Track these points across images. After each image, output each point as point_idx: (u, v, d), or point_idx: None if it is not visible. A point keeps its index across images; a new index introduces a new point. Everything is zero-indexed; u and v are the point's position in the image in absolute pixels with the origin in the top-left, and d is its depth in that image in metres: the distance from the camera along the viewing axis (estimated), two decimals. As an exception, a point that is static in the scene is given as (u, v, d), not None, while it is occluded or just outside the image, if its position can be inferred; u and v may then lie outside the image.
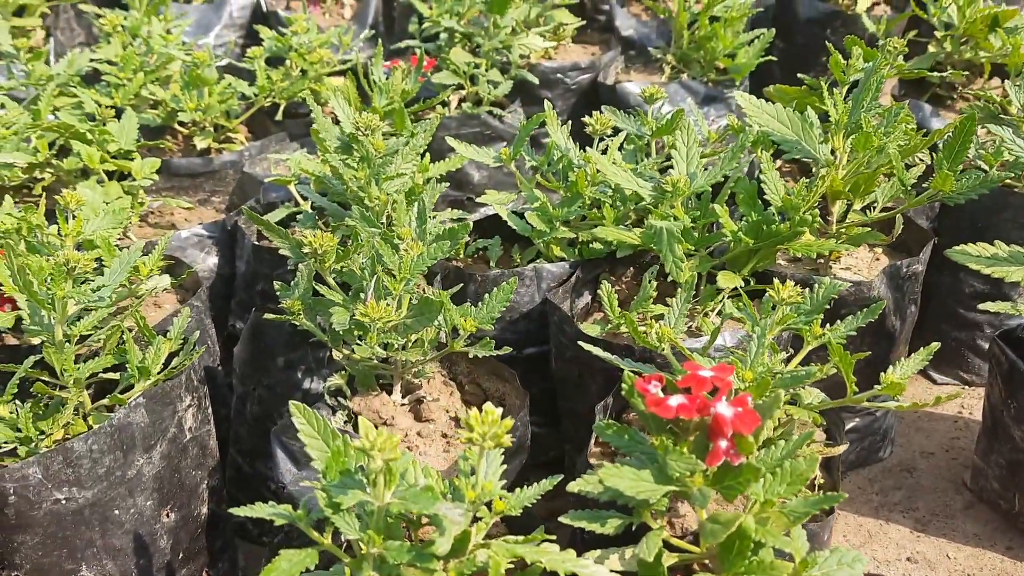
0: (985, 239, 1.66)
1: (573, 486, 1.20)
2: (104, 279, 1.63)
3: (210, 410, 1.70)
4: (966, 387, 2.23)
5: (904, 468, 2.01)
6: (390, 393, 1.64)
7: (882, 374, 1.36)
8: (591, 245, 1.97)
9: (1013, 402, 1.76)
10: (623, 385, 1.21)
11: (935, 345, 1.43)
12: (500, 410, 1.10)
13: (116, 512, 1.50)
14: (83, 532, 1.48)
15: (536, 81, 2.69)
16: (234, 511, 1.18)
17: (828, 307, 1.49)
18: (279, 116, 2.59)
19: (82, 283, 1.56)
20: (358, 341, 1.56)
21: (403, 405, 1.65)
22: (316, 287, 1.58)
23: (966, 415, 2.15)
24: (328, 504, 1.12)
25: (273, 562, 1.10)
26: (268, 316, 1.59)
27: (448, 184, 1.98)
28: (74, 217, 1.80)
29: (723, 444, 1.12)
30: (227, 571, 1.74)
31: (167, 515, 1.58)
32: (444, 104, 2.67)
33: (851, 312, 1.59)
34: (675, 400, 1.13)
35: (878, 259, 1.95)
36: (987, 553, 1.79)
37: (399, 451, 1.07)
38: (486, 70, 2.66)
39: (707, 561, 1.22)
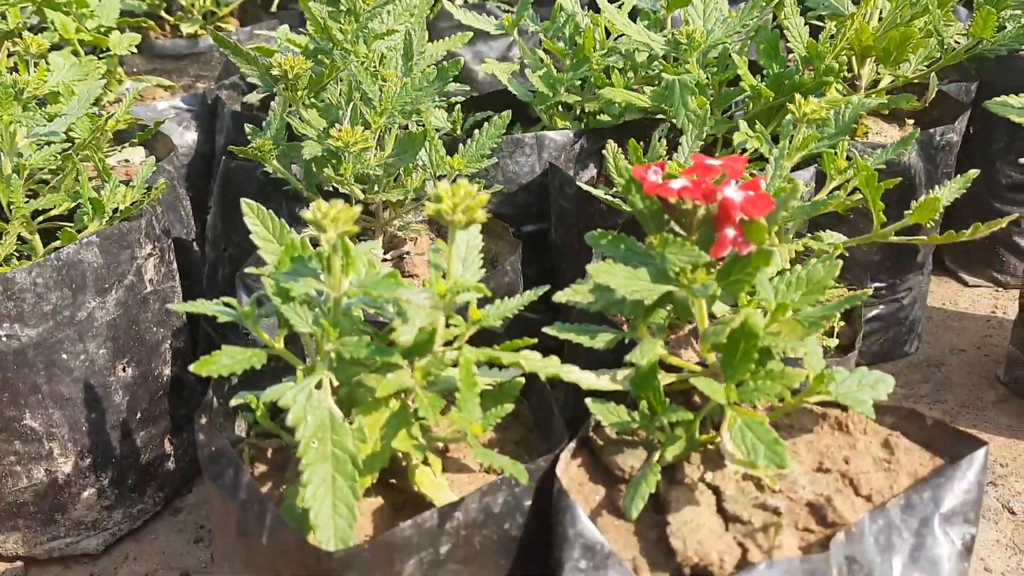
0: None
1: (561, 295, 1.06)
2: (63, 111, 1.50)
3: (175, 266, 1.56)
4: (999, 289, 2.06)
5: (932, 364, 1.84)
6: (371, 247, 1.50)
7: (913, 202, 1.21)
8: (598, 117, 1.83)
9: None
10: (620, 180, 1.05)
11: (973, 172, 1.27)
12: (476, 187, 0.95)
13: (64, 356, 1.37)
14: (26, 375, 1.34)
15: (545, -26, 2.54)
16: (172, 307, 1.04)
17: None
18: (274, 8, 2.45)
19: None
20: (337, 176, 1.42)
21: (385, 260, 1.51)
22: (290, 122, 1.44)
23: (1000, 315, 1.98)
24: (277, 292, 0.98)
25: (213, 355, 0.95)
26: (234, 149, 1.45)
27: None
28: (36, 65, 1.67)
29: (730, 232, 0.97)
30: (192, 442, 1.60)
31: (123, 369, 1.45)
32: (448, -1, 2.53)
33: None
34: (678, 183, 0.98)
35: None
36: (1021, 443, 1.62)
37: (355, 227, 0.92)
38: (493, -37, 2.52)
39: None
